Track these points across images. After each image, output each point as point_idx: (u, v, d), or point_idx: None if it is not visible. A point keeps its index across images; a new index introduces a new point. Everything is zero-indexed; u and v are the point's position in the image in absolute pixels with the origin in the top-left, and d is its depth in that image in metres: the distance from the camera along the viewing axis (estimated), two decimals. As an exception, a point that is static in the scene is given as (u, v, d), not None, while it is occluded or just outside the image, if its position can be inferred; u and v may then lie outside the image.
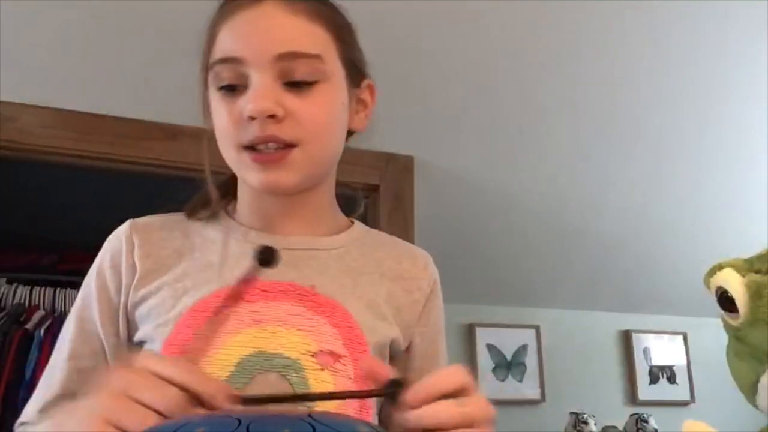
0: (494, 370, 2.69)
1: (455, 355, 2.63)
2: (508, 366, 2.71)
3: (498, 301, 2.74)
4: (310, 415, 0.46)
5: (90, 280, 0.79)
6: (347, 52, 0.78)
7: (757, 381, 0.74)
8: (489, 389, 2.64)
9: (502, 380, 2.68)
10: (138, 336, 0.76)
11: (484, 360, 2.68)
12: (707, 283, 0.80)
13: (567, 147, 2.20)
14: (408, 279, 0.83)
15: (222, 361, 0.69)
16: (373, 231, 0.89)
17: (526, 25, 1.81)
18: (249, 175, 0.74)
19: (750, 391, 0.76)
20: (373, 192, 2.14)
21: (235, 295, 0.64)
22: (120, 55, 1.71)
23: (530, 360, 2.74)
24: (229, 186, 0.84)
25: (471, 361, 2.66)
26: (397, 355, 0.79)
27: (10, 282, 2.44)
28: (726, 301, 0.76)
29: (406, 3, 1.68)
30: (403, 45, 1.79)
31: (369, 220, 2.11)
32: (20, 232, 2.61)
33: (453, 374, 0.58)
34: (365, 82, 0.82)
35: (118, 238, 0.80)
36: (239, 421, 0.43)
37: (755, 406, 0.77)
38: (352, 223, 0.87)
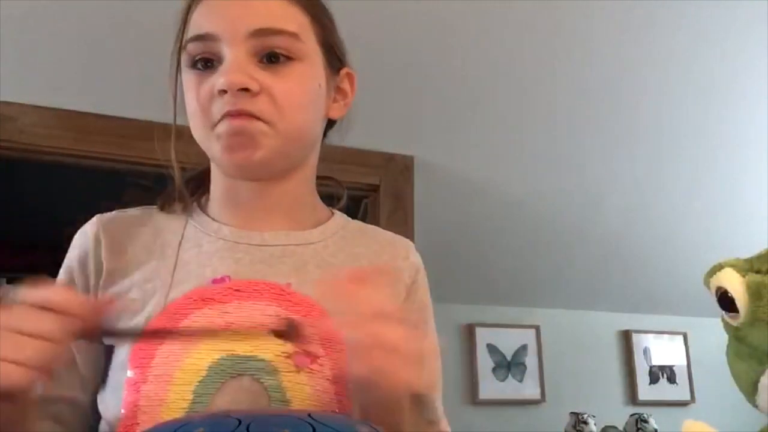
0: (494, 370, 2.69)
1: (455, 355, 2.64)
2: (508, 366, 2.71)
3: (498, 301, 2.74)
4: (310, 415, 0.46)
5: (60, 275, 0.77)
6: (326, 36, 0.76)
7: (757, 381, 0.74)
8: (489, 389, 2.65)
9: (502, 380, 2.68)
10: (107, 339, 0.72)
11: (484, 360, 2.67)
12: (707, 283, 0.80)
13: (567, 147, 2.20)
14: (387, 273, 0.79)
15: (193, 365, 0.66)
16: (354, 222, 0.85)
17: (527, 26, 1.81)
18: (219, 150, 0.70)
19: (750, 391, 0.76)
20: (373, 192, 2.14)
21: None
22: (120, 55, 1.71)
23: (530, 360, 2.74)
24: (201, 180, 0.81)
25: (471, 361, 2.66)
26: None
27: (10, 282, 2.44)
28: (726, 301, 0.76)
29: (406, 3, 1.68)
30: (404, 45, 1.79)
31: (369, 220, 2.11)
32: (20, 232, 2.61)
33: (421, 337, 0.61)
34: (344, 71, 0.80)
35: (84, 235, 0.76)
36: (239, 421, 0.43)
37: (755, 406, 0.77)
38: (333, 214, 0.84)
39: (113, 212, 0.79)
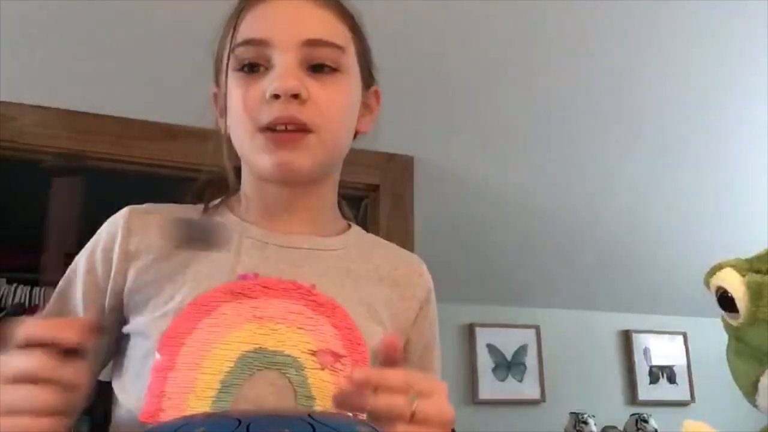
0: (494, 370, 2.69)
1: (455, 355, 2.64)
2: (508, 366, 2.71)
3: (498, 301, 2.74)
4: (310, 415, 0.46)
5: (79, 260, 0.77)
6: (363, 54, 0.80)
7: (757, 381, 0.74)
8: (489, 389, 2.65)
9: (502, 380, 2.68)
10: (129, 327, 0.74)
11: (484, 360, 2.68)
12: (707, 283, 0.80)
13: (567, 147, 2.20)
14: (404, 286, 0.82)
15: (222, 356, 0.68)
16: (370, 235, 0.89)
17: (526, 26, 1.81)
18: (261, 157, 0.72)
19: (750, 391, 0.76)
20: (373, 192, 2.14)
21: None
22: (120, 55, 1.71)
23: (530, 360, 2.74)
24: (225, 182, 0.82)
25: (471, 361, 2.66)
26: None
27: (10, 282, 2.45)
28: (726, 301, 0.76)
29: (406, 3, 1.68)
30: (404, 45, 1.79)
31: (369, 220, 2.12)
32: (20, 232, 2.61)
33: (424, 380, 0.62)
34: (373, 88, 0.83)
35: (114, 223, 0.77)
36: (239, 421, 0.44)
37: (755, 406, 0.77)
38: (350, 226, 0.87)
39: (145, 205, 0.80)
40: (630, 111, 2.12)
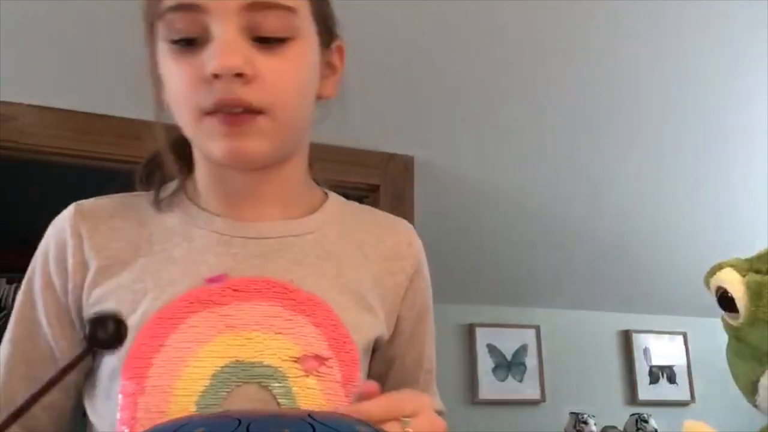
0: (494, 370, 2.68)
1: (455, 355, 2.64)
2: (508, 366, 2.71)
3: (498, 301, 2.74)
4: (310, 415, 0.46)
5: (33, 276, 0.70)
6: (320, 7, 0.69)
7: (757, 381, 0.74)
8: (489, 389, 2.64)
9: (502, 380, 2.68)
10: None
11: (484, 360, 2.67)
12: (707, 283, 0.80)
13: (567, 147, 2.20)
14: (392, 260, 0.75)
15: (195, 374, 0.62)
16: (350, 204, 0.79)
17: (526, 26, 1.81)
18: (211, 144, 0.64)
19: (750, 391, 0.76)
20: (373, 192, 2.14)
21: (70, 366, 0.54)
22: (120, 55, 1.71)
23: (530, 360, 2.74)
24: (183, 153, 0.73)
25: (471, 361, 2.66)
26: (379, 349, 0.74)
27: (10, 282, 2.45)
28: (726, 301, 0.76)
29: (406, 3, 1.68)
30: (404, 45, 1.79)
31: (369, 220, 2.11)
32: (20, 232, 2.61)
33: (407, 400, 0.56)
34: (335, 43, 0.72)
35: (61, 228, 0.69)
36: (239, 421, 0.43)
37: (755, 406, 0.77)
38: (327, 195, 0.77)
39: (91, 200, 0.72)
40: (630, 111, 2.12)
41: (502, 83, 1.97)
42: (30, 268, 0.71)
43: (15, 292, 2.41)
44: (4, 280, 2.48)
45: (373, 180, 2.10)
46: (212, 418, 0.47)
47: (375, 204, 2.14)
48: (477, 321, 2.71)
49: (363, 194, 2.15)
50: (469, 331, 2.70)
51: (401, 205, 2.15)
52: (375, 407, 0.53)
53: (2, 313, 2.35)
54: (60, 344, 0.68)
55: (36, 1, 1.57)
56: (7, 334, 0.70)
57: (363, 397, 0.55)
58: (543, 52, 1.89)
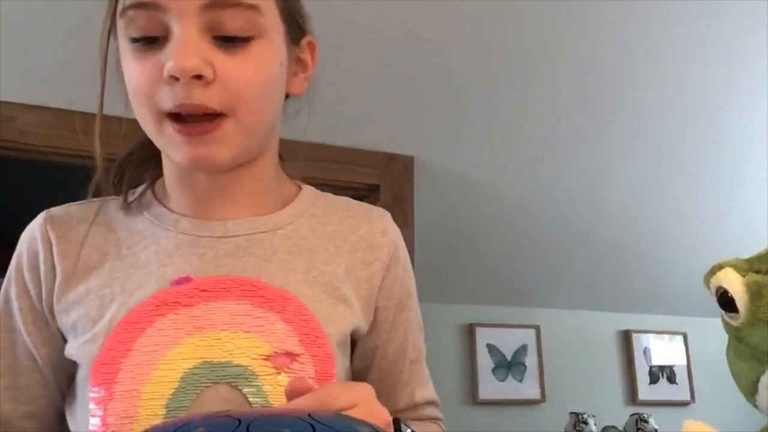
0: (494, 370, 2.69)
1: (455, 355, 2.63)
2: (508, 366, 2.71)
3: (498, 301, 2.74)
4: (309, 415, 0.46)
5: (9, 286, 0.69)
6: (287, 4, 0.67)
7: (757, 381, 0.74)
8: (489, 389, 2.65)
9: (502, 380, 2.68)
10: (67, 351, 0.66)
11: (484, 360, 2.67)
12: (707, 283, 0.80)
13: (567, 147, 2.20)
14: (365, 249, 0.73)
15: (163, 377, 0.61)
16: (324, 196, 0.77)
17: (526, 26, 1.81)
18: (174, 150, 0.63)
19: (750, 391, 0.76)
20: (373, 192, 2.14)
21: None
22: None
23: (530, 360, 2.74)
24: (148, 159, 0.73)
25: (471, 361, 2.66)
26: (359, 341, 0.72)
27: (9, 282, 2.44)
28: (726, 301, 0.76)
29: (406, 4, 1.68)
30: (404, 46, 1.79)
31: (369, 220, 2.11)
32: (20, 232, 2.61)
33: (340, 392, 0.53)
34: (305, 39, 0.71)
35: (32, 237, 0.69)
36: (239, 421, 0.43)
37: (755, 406, 0.77)
38: (300, 188, 0.76)
39: (61, 207, 0.72)
40: (630, 111, 2.12)
41: (502, 84, 1.97)
42: (6, 279, 0.70)
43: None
44: (3, 280, 2.48)
45: (373, 180, 2.10)
46: (212, 418, 0.47)
47: (375, 204, 2.14)
48: (477, 321, 2.71)
49: (363, 194, 2.15)
50: (469, 331, 2.70)
51: (401, 205, 2.15)
52: (305, 402, 0.51)
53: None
54: (41, 351, 0.68)
55: (36, 1, 1.57)
56: None
57: (293, 393, 0.52)
58: (543, 53, 1.89)
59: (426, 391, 0.78)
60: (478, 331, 2.70)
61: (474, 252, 2.49)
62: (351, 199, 0.79)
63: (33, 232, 0.70)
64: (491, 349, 2.70)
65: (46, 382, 0.69)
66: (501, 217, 2.38)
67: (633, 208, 2.45)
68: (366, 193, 2.15)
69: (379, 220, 0.76)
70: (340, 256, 0.71)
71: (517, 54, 1.89)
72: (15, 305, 0.68)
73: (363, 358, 0.74)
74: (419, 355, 0.78)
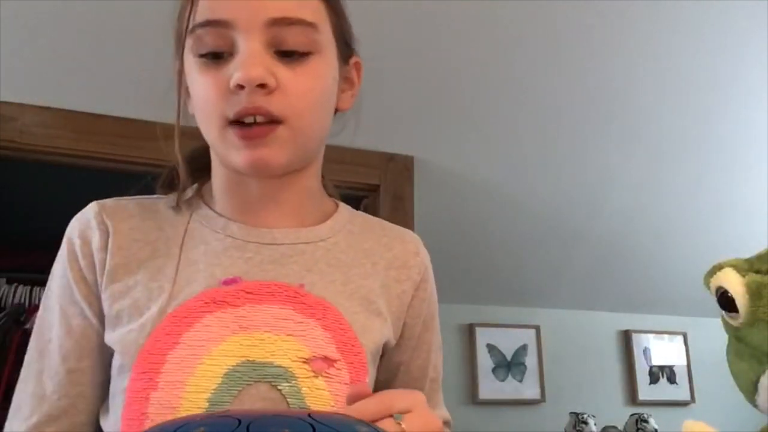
0: (494, 370, 2.69)
1: (455, 355, 2.64)
2: (508, 366, 2.71)
3: (498, 301, 2.74)
4: (310, 415, 0.46)
5: (63, 272, 0.71)
6: (340, 25, 0.72)
7: (757, 381, 0.74)
8: (489, 389, 2.65)
9: (502, 380, 2.68)
10: (107, 339, 0.68)
11: (484, 360, 2.67)
12: (707, 283, 0.80)
13: (567, 147, 2.20)
14: (398, 268, 0.78)
15: (207, 372, 0.64)
16: (359, 215, 0.82)
17: (526, 26, 1.81)
18: (234, 154, 0.66)
19: (750, 391, 0.76)
20: (373, 192, 2.14)
21: None
22: (120, 55, 1.71)
23: (530, 360, 2.74)
24: (199, 167, 0.76)
25: (471, 361, 2.66)
26: (386, 355, 0.76)
27: (10, 282, 2.44)
28: (726, 301, 0.76)
29: (406, 3, 1.68)
30: (404, 45, 1.79)
31: (369, 220, 2.11)
32: (20, 232, 2.61)
33: (399, 397, 0.57)
34: (353, 60, 0.77)
35: (85, 223, 0.71)
36: (239, 421, 0.43)
37: (755, 406, 0.77)
38: (337, 205, 0.81)
39: (112, 200, 0.74)
40: (630, 111, 2.12)
41: (502, 84, 1.97)
42: (57, 267, 0.72)
43: (15, 292, 2.41)
44: (3, 280, 2.48)
45: (373, 180, 2.10)
46: (212, 417, 0.47)
47: (375, 204, 2.14)
48: (477, 321, 2.71)
49: (363, 194, 2.15)
50: (469, 331, 2.70)
51: (401, 205, 2.15)
52: (367, 406, 0.54)
53: (2, 313, 2.35)
54: (99, 335, 0.69)
55: (37, 1, 1.57)
56: (47, 334, 0.71)
57: (354, 397, 0.56)
58: (543, 53, 1.89)
59: (442, 411, 0.82)
60: (478, 331, 2.70)
61: (474, 252, 2.49)
62: (384, 221, 0.84)
63: (87, 221, 0.72)
64: (491, 349, 2.70)
65: (103, 366, 0.70)
66: (501, 217, 2.38)
67: (633, 208, 2.45)
68: (366, 193, 2.15)
69: (411, 242, 0.82)
70: (375, 272, 0.76)
71: (517, 54, 1.89)
72: (74, 289, 0.70)
73: (387, 372, 0.78)
74: (438, 375, 0.83)
